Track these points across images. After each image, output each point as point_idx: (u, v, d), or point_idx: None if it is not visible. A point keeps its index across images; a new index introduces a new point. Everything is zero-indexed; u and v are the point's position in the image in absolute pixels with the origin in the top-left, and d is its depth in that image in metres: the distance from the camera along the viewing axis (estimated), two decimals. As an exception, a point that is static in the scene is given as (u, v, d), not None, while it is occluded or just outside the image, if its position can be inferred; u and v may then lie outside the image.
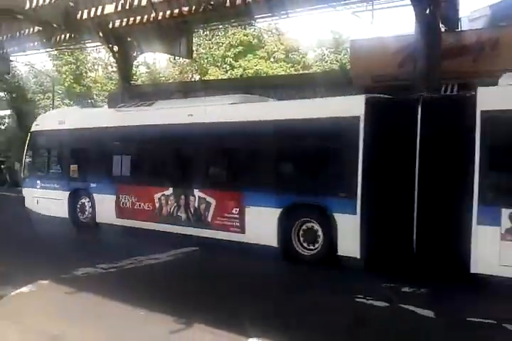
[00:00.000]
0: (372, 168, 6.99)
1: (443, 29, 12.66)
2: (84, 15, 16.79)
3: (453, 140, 6.57)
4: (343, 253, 7.29)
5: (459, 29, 14.67)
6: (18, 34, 20.42)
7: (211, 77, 32.12)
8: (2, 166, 24.34)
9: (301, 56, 36.75)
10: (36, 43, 22.85)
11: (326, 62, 35.21)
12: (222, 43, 35.37)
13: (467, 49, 12.52)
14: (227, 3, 14.79)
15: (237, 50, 34.71)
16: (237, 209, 8.44)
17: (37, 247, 8.54)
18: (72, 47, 25.52)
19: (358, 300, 5.77)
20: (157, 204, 9.63)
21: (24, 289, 6.01)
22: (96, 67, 34.19)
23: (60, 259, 7.67)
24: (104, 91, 31.58)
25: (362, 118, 7.09)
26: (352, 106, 7.45)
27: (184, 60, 30.01)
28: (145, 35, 19.35)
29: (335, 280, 6.74)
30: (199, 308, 5.23)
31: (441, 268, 6.49)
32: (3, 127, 35.31)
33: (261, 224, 8.13)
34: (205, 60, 35.37)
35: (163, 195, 9.54)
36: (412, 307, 5.44)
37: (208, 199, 8.89)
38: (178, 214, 9.36)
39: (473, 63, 12.30)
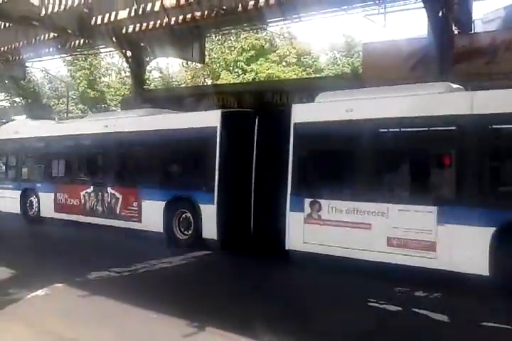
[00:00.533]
0: (226, 168, 8.86)
1: (456, 32, 12.56)
2: (98, 21, 16.93)
3: (278, 146, 8.26)
4: (206, 236, 9.10)
5: (473, 31, 14.56)
6: (33, 40, 20.66)
7: (223, 82, 32.25)
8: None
9: (313, 60, 36.76)
10: (51, 49, 23.15)
11: (338, 65, 35.17)
12: (234, 48, 35.52)
13: (481, 51, 12.41)
14: (239, 8, 14.83)
15: (249, 54, 34.82)
16: (136, 203, 10.36)
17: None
18: (86, 52, 25.84)
19: (370, 304, 5.74)
20: (82, 200, 11.58)
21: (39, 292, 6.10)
22: (109, 72, 34.53)
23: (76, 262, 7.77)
24: (118, 96, 31.88)
25: (218, 128, 8.94)
26: (211, 118, 9.22)
27: (196, 64, 30.20)
28: (158, 40, 19.51)
29: (347, 283, 6.71)
30: (211, 311, 5.25)
31: (270, 246, 8.16)
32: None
33: (152, 214, 9.97)
34: (218, 65, 35.54)
35: (86, 192, 11.54)
36: (425, 312, 5.41)
37: (117, 195, 10.80)
38: (97, 207, 11.26)
39: (487, 65, 12.20)
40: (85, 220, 11.53)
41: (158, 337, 4.72)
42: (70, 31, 17.91)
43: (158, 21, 16.82)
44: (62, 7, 15.28)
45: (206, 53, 23.91)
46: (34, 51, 23.58)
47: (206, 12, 15.60)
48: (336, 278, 6.92)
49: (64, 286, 6.43)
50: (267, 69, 33.47)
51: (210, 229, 8.99)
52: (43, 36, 20.29)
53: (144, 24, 17.33)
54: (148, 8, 15.52)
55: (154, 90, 27.94)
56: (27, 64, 27.84)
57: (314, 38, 64.79)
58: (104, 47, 23.67)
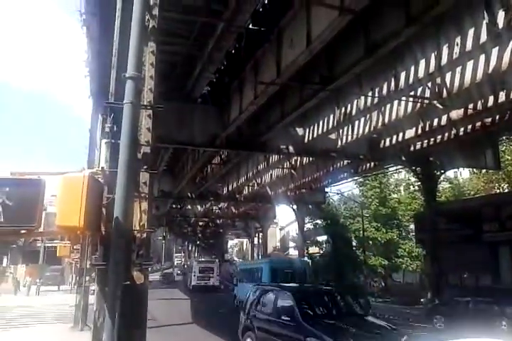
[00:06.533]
0: None
1: None
2: (387, 143, 18.11)
3: None
4: None
5: None
6: (331, 169, 23.41)
7: (524, 184, 29.17)
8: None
9: None
10: (345, 174, 25.64)
11: None
12: (531, 145, 32.35)
13: None
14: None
15: (553, 150, 31.04)
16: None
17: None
18: (375, 172, 27.52)
19: None
20: None
21: None
22: (398, 188, 35.39)
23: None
24: (409, 211, 31.97)
25: None
26: None
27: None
28: (446, 153, 19.47)
29: None
30: None
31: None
32: (321, 251, 38.89)
33: None
34: (513, 166, 32.62)
35: None
36: None
37: None
38: None
39: None
40: None
41: None
42: (361, 156, 19.60)
43: (446, 134, 16.96)
44: (355, 137, 16.93)
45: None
46: (331, 178, 26.57)
47: (497, 117, 15.06)
48: None
49: None
50: None
51: None
52: (338, 164, 22.82)
53: (432, 139, 17.70)
54: (435, 123, 15.87)
55: (447, 203, 27.13)
56: (326, 189, 31.33)
57: None
58: (392, 166, 24.89)
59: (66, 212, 3.75)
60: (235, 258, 72.84)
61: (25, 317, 19.13)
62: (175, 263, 77.10)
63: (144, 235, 4.11)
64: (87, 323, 15.15)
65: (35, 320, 18.23)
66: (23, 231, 4.28)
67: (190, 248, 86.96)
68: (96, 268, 4.15)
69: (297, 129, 17.36)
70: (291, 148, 17.87)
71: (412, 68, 11.82)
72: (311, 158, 21.68)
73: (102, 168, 4.14)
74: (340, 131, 17.12)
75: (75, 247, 17.73)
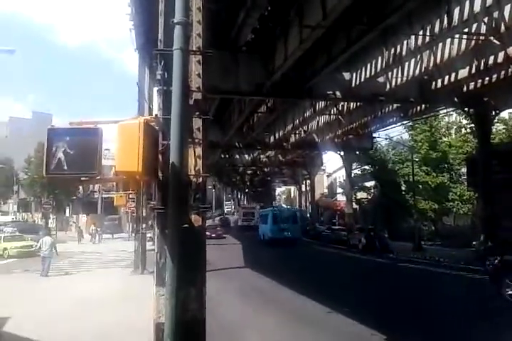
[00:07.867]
0: None
1: None
2: (439, 85, 17.39)
3: None
4: None
5: None
6: (379, 113, 22.87)
7: None
8: (372, 233, 26.35)
9: None
10: (394, 118, 25.02)
11: None
12: None
13: None
14: None
15: None
16: None
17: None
18: (425, 116, 26.65)
19: None
20: None
21: None
22: (449, 131, 34.20)
23: None
24: (460, 154, 31.04)
25: None
26: None
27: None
28: (502, 92, 18.54)
29: None
30: None
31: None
32: (369, 197, 38.81)
33: None
34: None
35: None
36: None
37: None
38: None
39: None
40: None
41: None
42: (411, 99, 18.95)
43: (502, 72, 16.07)
44: (404, 79, 16.34)
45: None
46: (379, 123, 26.01)
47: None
48: None
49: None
50: None
51: None
52: (387, 108, 22.24)
53: (486, 78, 16.85)
54: (490, 61, 15.05)
55: (501, 145, 26.12)
56: (374, 135, 30.78)
57: None
58: (443, 108, 24.01)
59: (125, 158, 3.88)
60: (283, 205, 74.02)
61: (90, 263, 20.53)
62: (225, 211, 79.34)
63: (200, 179, 4.26)
64: (146, 268, 16.14)
65: (99, 265, 19.53)
66: (84, 178, 4.43)
67: (239, 196, 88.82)
68: (155, 212, 4.33)
69: (344, 74, 16.88)
70: (337, 94, 17.51)
71: (467, 3, 11.11)
72: (358, 103, 21.21)
73: (156, 115, 4.24)
74: (389, 73, 16.55)
75: (130, 196, 18.54)
